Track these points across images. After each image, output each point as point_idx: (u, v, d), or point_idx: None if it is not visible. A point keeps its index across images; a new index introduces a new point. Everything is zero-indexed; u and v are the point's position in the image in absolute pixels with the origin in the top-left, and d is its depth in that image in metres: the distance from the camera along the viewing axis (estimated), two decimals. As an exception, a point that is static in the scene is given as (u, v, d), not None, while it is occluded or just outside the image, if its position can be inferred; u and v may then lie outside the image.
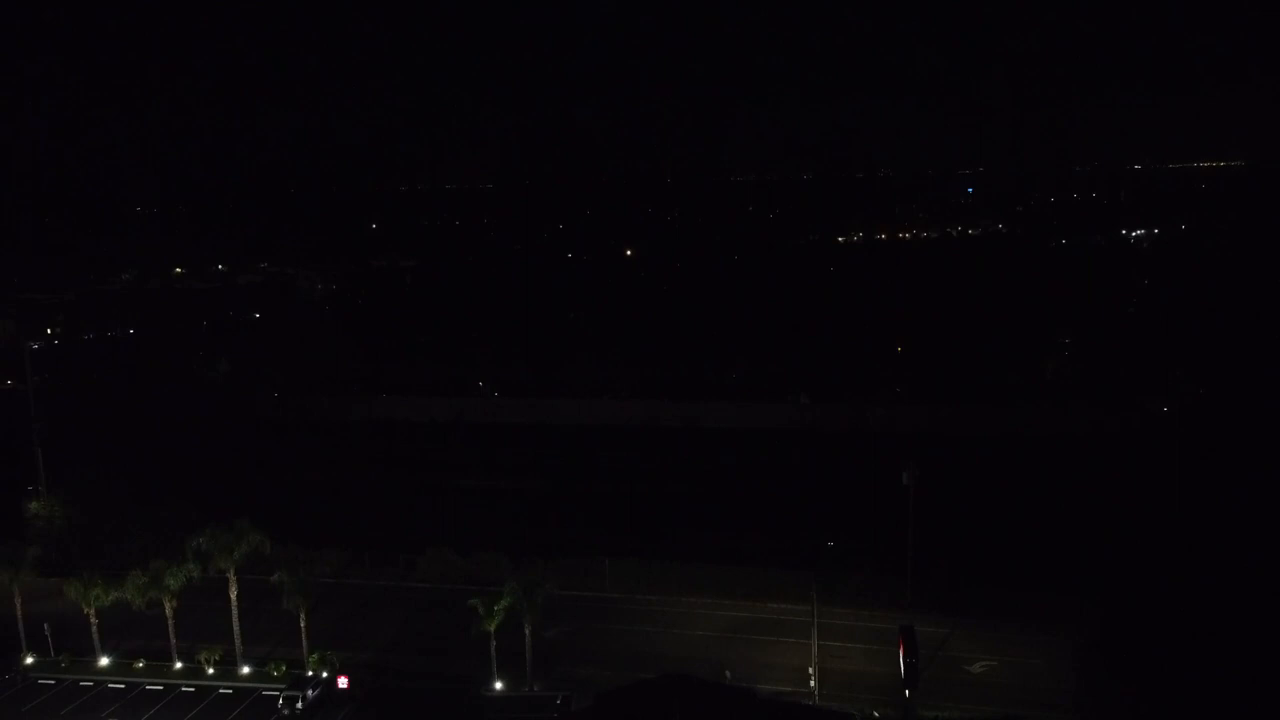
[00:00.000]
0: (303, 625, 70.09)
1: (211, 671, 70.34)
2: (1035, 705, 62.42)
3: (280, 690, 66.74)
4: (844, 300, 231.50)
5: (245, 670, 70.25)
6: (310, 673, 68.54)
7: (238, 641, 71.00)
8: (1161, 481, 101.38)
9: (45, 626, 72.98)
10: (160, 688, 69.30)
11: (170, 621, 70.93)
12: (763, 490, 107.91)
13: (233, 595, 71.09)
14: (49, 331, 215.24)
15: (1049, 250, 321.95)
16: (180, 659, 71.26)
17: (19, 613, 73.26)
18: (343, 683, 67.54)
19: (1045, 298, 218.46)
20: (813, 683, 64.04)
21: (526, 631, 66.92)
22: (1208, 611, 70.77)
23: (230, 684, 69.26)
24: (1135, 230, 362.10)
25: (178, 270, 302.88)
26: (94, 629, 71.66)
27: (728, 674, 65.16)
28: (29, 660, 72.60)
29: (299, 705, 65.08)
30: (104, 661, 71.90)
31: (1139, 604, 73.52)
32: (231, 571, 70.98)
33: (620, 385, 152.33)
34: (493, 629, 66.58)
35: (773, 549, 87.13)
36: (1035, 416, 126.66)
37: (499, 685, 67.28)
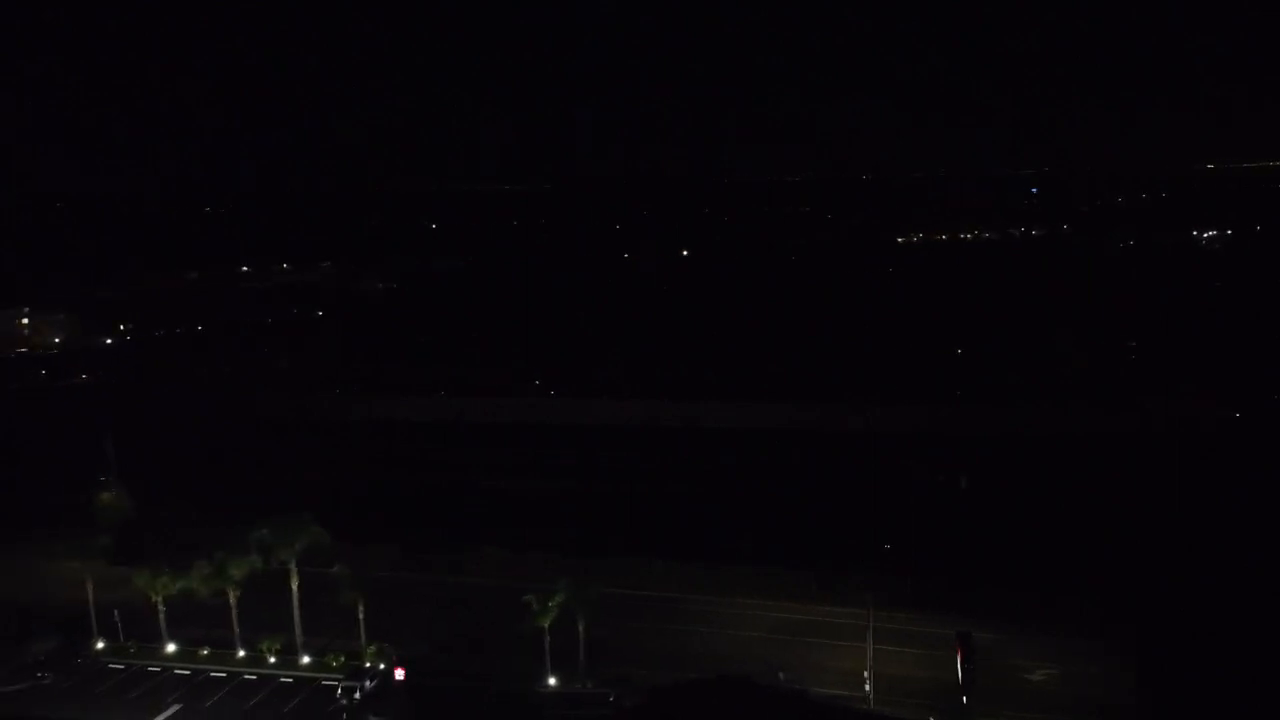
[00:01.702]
0: (360, 618, 71.35)
1: (273, 660, 71.93)
2: (1094, 714, 61.10)
3: (339, 680, 68.09)
4: (902, 302, 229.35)
5: (305, 660, 71.71)
6: (368, 664, 69.76)
7: (298, 632, 72.50)
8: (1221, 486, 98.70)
9: (115, 614, 75.25)
10: (224, 675, 71.13)
11: (233, 611, 72.67)
12: (815, 494, 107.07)
13: (293, 586, 72.58)
14: (120, 328, 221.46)
15: (1114, 252, 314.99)
16: (242, 648, 72.95)
17: (90, 600, 75.66)
18: (399, 674, 68.57)
19: (1109, 300, 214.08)
20: (867, 686, 63.41)
21: (580, 629, 67.32)
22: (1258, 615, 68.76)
23: (290, 673, 70.79)
24: (1206, 231, 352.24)
25: (243, 269, 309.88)
26: (161, 617, 73.71)
27: (782, 675, 64.80)
28: (100, 645, 74.90)
29: (357, 696, 66.29)
30: (170, 648, 73.91)
31: (1191, 611, 71.61)
32: (292, 563, 72.46)
33: (655, 382, 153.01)
34: (546, 625, 67.15)
35: (824, 551, 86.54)
36: (1092, 420, 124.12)
37: (552, 681, 67.78)
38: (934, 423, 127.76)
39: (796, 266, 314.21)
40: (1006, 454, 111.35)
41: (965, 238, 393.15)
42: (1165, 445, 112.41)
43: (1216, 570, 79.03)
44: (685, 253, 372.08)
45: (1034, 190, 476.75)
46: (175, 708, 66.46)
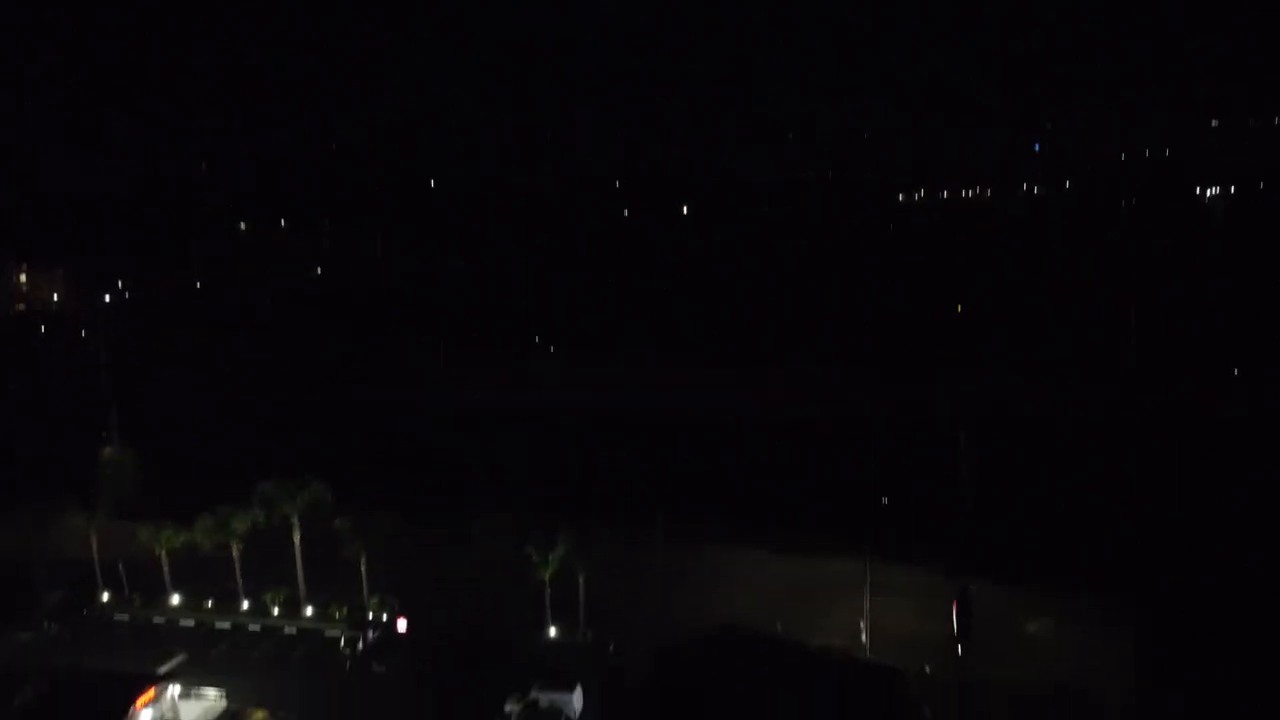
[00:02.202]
0: (363, 571, 72.05)
1: (277, 612, 72.74)
2: (1089, 670, 61.85)
3: (343, 631, 68.98)
4: (908, 264, 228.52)
5: (308, 612, 72.51)
6: (371, 616, 70.59)
7: (301, 585, 73.21)
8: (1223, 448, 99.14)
9: (120, 567, 76.01)
10: (228, 626, 72.05)
11: (236, 565, 73.36)
12: (815, 451, 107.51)
13: (296, 540, 73.19)
14: (119, 285, 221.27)
15: (1117, 211, 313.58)
16: (246, 600, 73.74)
17: (95, 554, 76.37)
18: (402, 626, 69.45)
19: (1112, 261, 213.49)
20: (864, 638, 64.23)
21: (580, 581, 68.04)
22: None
23: (294, 625, 71.64)
24: (1210, 188, 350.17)
25: (242, 226, 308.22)
26: (165, 570, 74.44)
27: (779, 627, 65.59)
28: (105, 598, 75.72)
29: (360, 646, 67.22)
30: (175, 601, 74.71)
31: (1196, 577, 72.19)
32: (295, 518, 72.98)
33: (675, 346, 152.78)
34: (547, 578, 67.87)
35: (826, 507, 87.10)
36: (1097, 390, 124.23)
37: (553, 633, 68.65)
38: (934, 386, 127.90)
39: (795, 229, 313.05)
40: (1008, 416, 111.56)
41: (966, 195, 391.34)
42: (1167, 409, 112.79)
43: (1220, 532, 79.69)
44: (684, 210, 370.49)
45: (1036, 147, 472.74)
46: (181, 658, 67.25)
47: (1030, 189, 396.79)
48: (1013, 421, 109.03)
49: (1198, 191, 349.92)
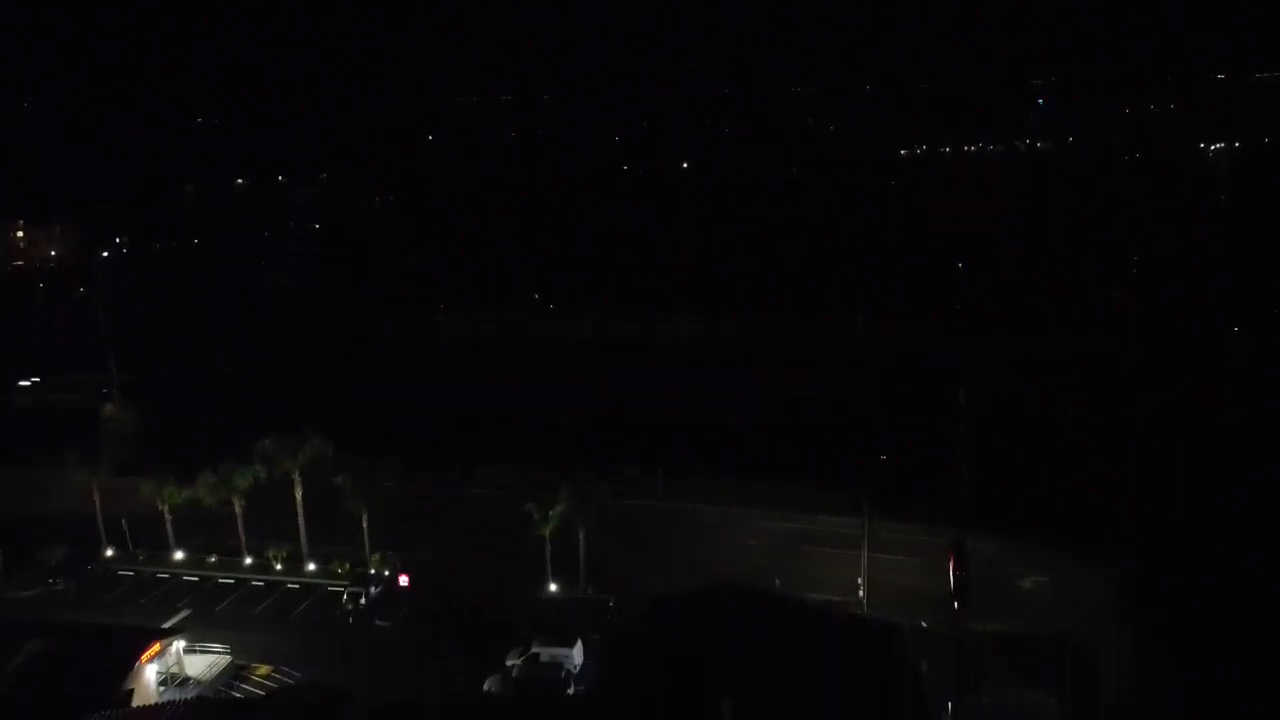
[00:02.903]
0: (364, 527, 72.50)
1: (279, 568, 73.36)
2: (1084, 624, 62.46)
3: (345, 586, 69.64)
4: (903, 218, 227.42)
5: (311, 567, 73.12)
6: (373, 571, 71.19)
7: (303, 541, 73.74)
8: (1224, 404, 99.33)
9: (123, 522, 76.47)
10: (231, 581, 72.67)
11: (239, 520, 73.81)
12: (814, 407, 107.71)
13: (298, 496, 73.56)
14: (117, 241, 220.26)
15: (1120, 165, 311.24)
16: (249, 555, 74.33)
17: (98, 510, 76.81)
18: (404, 581, 70.04)
19: (1112, 216, 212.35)
20: (861, 593, 64.80)
21: (580, 537, 68.53)
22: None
23: (297, 579, 72.28)
24: (1214, 144, 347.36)
25: (239, 181, 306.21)
26: (168, 526, 74.92)
27: (777, 582, 66.11)
28: (109, 553, 76.30)
29: (362, 601, 67.89)
30: (178, 556, 75.30)
31: (1188, 532, 72.63)
32: (296, 474, 73.27)
33: (671, 302, 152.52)
34: (547, 534, 68.34)
35: (825, 463, 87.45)
36: (1095, 342, 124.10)
37: (553, 588, 69.29)
38: (934, 341, 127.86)
39: (797, 178, 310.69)
40: (1008, 371, 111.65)
41: (969, 150, 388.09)
42: (1167, 363, 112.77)
43: (1215, 485, 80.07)
44: (685, 165, 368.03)
45: (1040, 102, 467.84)
46: (185, 613, 68.05)
47: (1034, 144, 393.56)
48: (1012, 378, 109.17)
49: (1202, 146, 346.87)
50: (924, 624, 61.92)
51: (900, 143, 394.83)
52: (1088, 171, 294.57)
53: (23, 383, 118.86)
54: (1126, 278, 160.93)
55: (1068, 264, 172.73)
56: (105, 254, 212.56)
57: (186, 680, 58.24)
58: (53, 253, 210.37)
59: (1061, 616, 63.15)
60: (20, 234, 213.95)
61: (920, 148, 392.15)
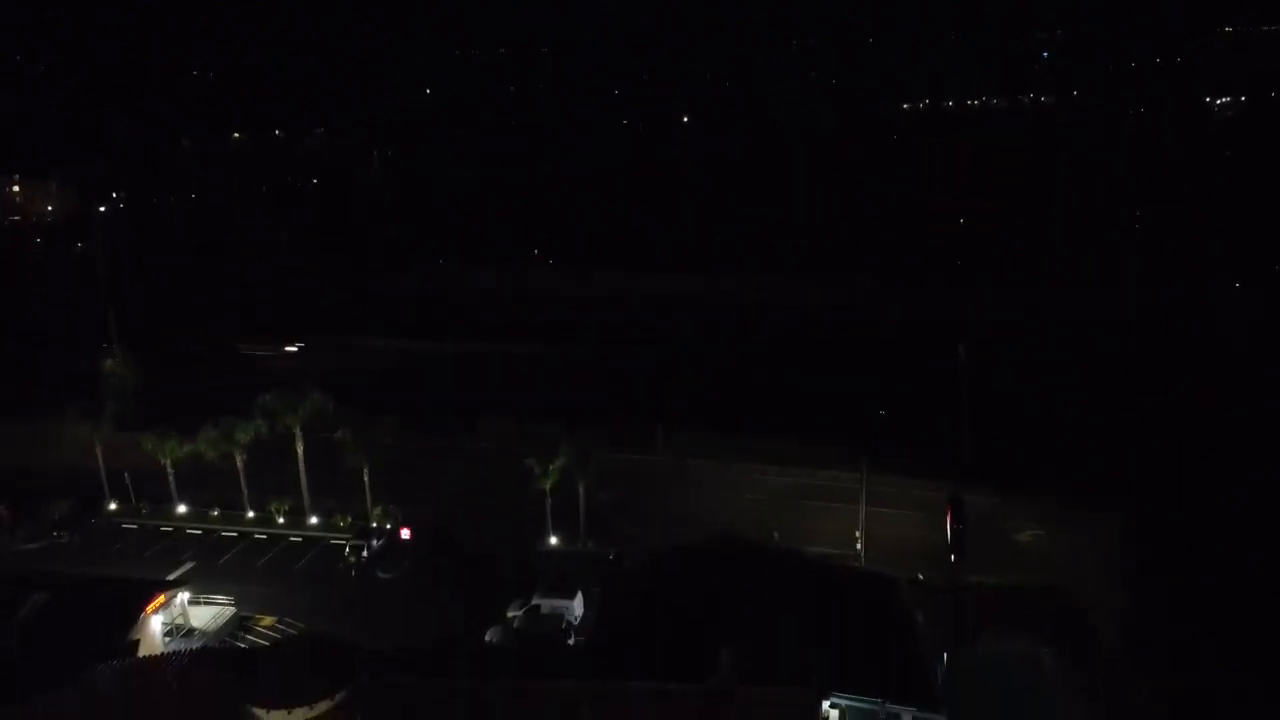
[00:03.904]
0: (366, 481, 72.94)
1: (282, 521, 73.98)
2: (1080, 578, 63.08)
3: (347, 540, 70.23)
4: (907, 174, 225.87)
5: (313, 521, 73.71)
6: (374, 525, 71.75)
7: (305, 495, 74.26)
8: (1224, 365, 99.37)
9: (126, 476, 76.91)
10: (235, 534, 73.31)
11: (241, 475, 74.23)
12: (815, 362, 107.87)
13: (299, 451, 73.90)
14: (114, 196, 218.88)
15: (1125, 119, 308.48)
16: (252, 509, 74.88)
17: (100, 464, 77.20)
18: (405, 534, 70.63)
19: (1117, 171, 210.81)
20: (859, 546, 65.35)
21: (580, 491, 68.97)
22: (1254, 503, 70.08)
23: (299, 533, 72.92)
24: (1220, 98, 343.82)
25: (235, 135, 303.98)
26: (170, 480, 75.35)
27: (776, 536, 66.67)
28: (112, 507, 76.84)
29: (364, 554, 68.48)
30: (181, 509, 75.85)
31: (1185, 490, 73.01)
32: (297, 429, 73.58)
33: (675, 257, 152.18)
34: (548, 488, 68.78)
35: (824, 418, 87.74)
36: (1093, 297, 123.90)
37: (554, 541, 69.89)
38: (935, 297, 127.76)
39: (798, 135, 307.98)
40: (1008, 330, 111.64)
41: (972, 104, 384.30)
42: (1172, 322, 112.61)
43: (1214, 438, 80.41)
44: (685, 119, 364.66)
45: (1045, 55, 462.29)
46: (189, 564, 68.69)
47: (1038, 98, 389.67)
48: (1012, 332, 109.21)
49: (1207, 100, 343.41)
50: (921, 576, 62.56)
51: (903, 97, 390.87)
52: (1091, 126, 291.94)
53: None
54: (1130, 234, 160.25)
55: (1071, 219, 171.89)
56: (102, 209, 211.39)
57: (191, 631, 58.94)
58: (49, 208, 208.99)
59: (1058, 570, 63.79)
60: (16, 189, 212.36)
61: (923, 102, 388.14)
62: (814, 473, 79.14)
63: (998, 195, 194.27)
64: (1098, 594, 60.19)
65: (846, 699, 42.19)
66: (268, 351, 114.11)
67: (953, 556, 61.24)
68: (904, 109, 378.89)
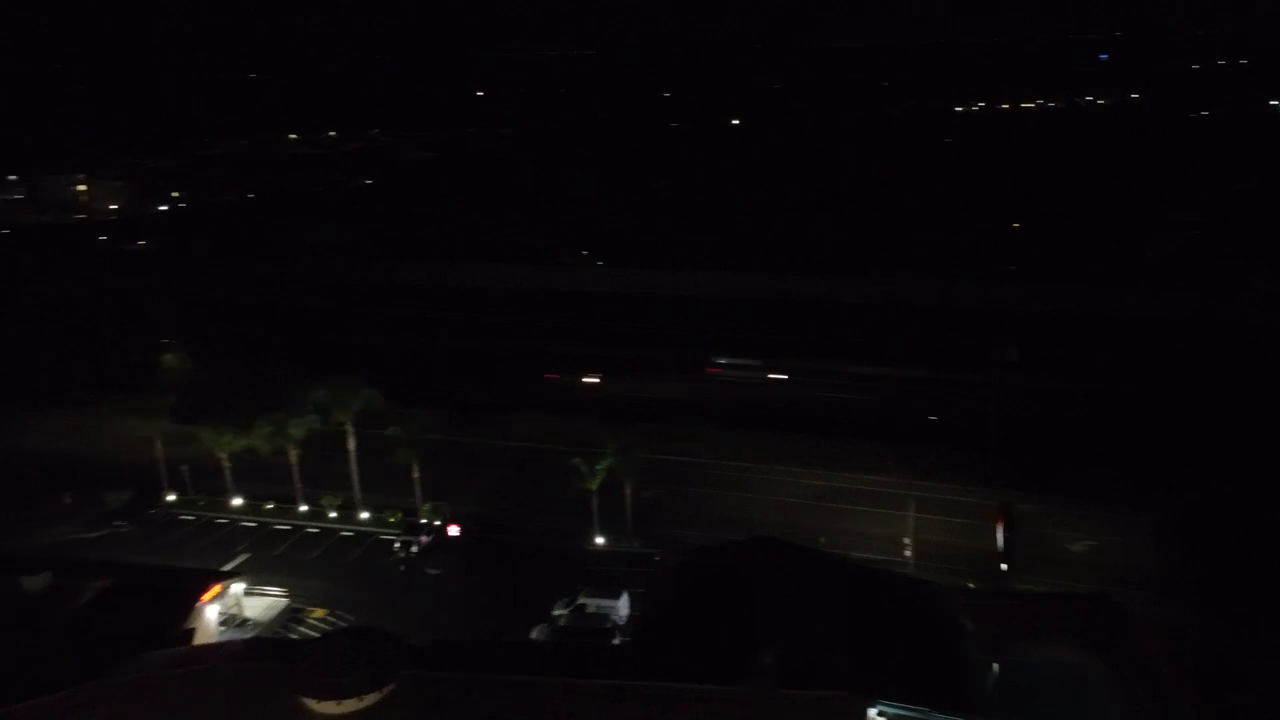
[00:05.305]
0: (415, 477, 73.87)
1: (333, 515, 75.18)
2: (1132, 585, 61.89)
3: (396, 535, 71.23)
4: (958, 173, 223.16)
5: (364, 516, 74.82)
6: (423, 520, 72.64)
7: (356, 489, 75.39)
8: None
9: (184, 468, 78.69)
10: (287, 528, 74.70)
11: (294, 468, 75.57)
12: (861, 365, 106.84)
13: (350, 447, 75.07)
14: (174, 195, 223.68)
15: (1186, 123, 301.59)
16: (304, 503, 76.20)
17: (159, 456, 79.09)
18: (454, 531, 71.44)
19: (1172, 174, 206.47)
20: (907, 552, 64.72)
21: (627, 491, 69.20)
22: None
23: (350, 527, 74.09)
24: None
25: (291, 136, 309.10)
26: (226, 472, 76.94)
27: (822, 540, 66.23)
28: (170, 498, 78.67)
29: (413, 549, 69.38)
30: (236, 502, 77.41)
31: (1229, 492, 71.21)
32: (349, 424, 74.75)
33: (707, 255, 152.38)
34: (594, 488, 69.12)
35: (869, 421, 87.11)
36: (1142, 298, 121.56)
37: (600, 541, 70.19)
38: (987, 297, 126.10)
39: (850, 137, 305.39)
40: (1059, 331, 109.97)
41: (1028, 107, 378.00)
42: (1225, 327, 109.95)
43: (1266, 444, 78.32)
44: (735, 121, 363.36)
45: (1103, 56, 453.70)
46: (244, 556, 70.10)
47: (1095, 100, 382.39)
48: (1062, 335, 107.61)
49: (1273, 104, 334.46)
50: (970, 585, 61.79)
51: (956, 98, 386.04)
52: (1148, 128, 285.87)
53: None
54: (1186, 237, 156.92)
55: (1124, 222, 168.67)
56: (163, 207, 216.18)
57: (245, 621, 60.19)
58: (113, 206, 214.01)
59: (1109, 580, 62.58)
60: (83, 187, 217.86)
61: (978, 104, 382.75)
62: (857, 476, 78.57)
63: (1051, 195, 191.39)
64: (1150, 603, 58.97)
65: (894, 707, 41.78)
66: None
67: (1004, 565, 60.54)
68: (957, 110, 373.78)
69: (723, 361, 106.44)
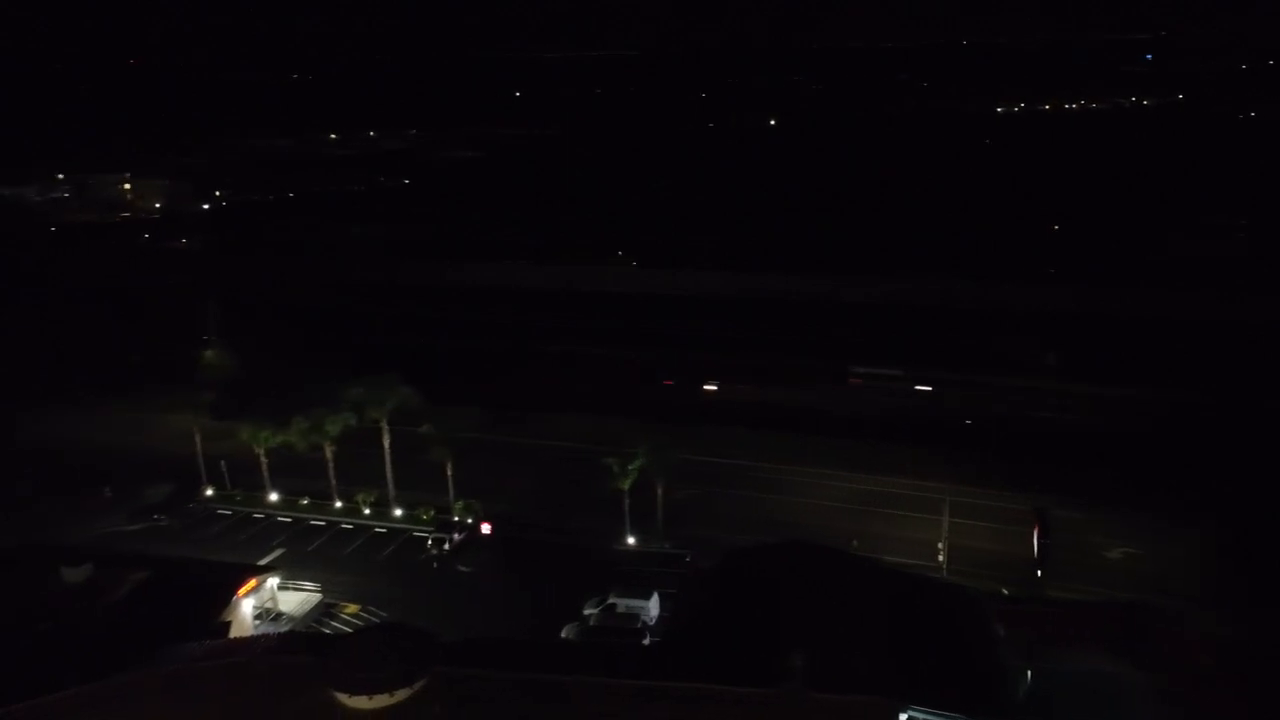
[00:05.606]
0: (449, 475, 74.30)
1: (368, 512, 75.86)
2: (1169, 594, 60.83)
3: (430, 532, 71.72)
4: (1002, 174, 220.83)
5: (397, 512, 75.41)
6: (456, 518, 73.07)
7: (390, 486, 76.00)
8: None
9: (222, 464, 79.79)
10: (323, 523, 75.49)
11: (330, 465, 76.33)
12: (898, 370, 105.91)
13: (385, 444, 75.68)
14: (216, 194, 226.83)
15: (1231, 124, 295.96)
16: (339, 499, 76.96)
17: (198, 451, 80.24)
18: (486, 529, 71.80)
19: (1217, 175, 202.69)
20: (941, 557, 64.05)
21: (659, 492, 69.13)
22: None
23: (384, 524, 74.72)
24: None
25: (331, 136, 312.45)
26: (264, 468, 77.87)
27: (855, 544, 65.77)
28: (209, 492, 79.82)
29: (446, 546, 69.83)
30: (273, 497, 78.34)
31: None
32: (384, 421, 75.36)
33: (742, 254, 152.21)
34: (626, 488, 69.11)
35: (902, 426, 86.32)
36: (1186, 301, 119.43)
37: (631, 541, 70.18)
38: (1027, 299, 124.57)
39: (890, 137, 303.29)
40: (1100, 333, 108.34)
41: (1070, 108, 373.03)
42: (1267, 333, 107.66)
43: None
44: (772, 122, 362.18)
45: (1148, 57, 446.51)
46: (279, 550, 70.92)
47: (1140, 101, 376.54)
48: (1102, 339, 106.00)
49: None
50: (1005, 591, 61.07)
51: (997, 99, 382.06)
52: (1193, 130, 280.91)
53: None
54: (1233, 241, 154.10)
55: (1170, 224, 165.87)
56: (205, 206, 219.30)
57: (280, 615, 60.91)
58: (157, 205, 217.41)
59: (1145, 588, 61.55)
60: (127, 186, 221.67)
61: (1019, 105, 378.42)
62: (890, 480, 77.91)
63: (1095, 197, 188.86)
64: (1187, 611, 57.90)
65: (925, 713, 41.39)
66: None
67: (1039, 571, 59.77)
68: (998, 111, 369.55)
69: (862, 371, 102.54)
